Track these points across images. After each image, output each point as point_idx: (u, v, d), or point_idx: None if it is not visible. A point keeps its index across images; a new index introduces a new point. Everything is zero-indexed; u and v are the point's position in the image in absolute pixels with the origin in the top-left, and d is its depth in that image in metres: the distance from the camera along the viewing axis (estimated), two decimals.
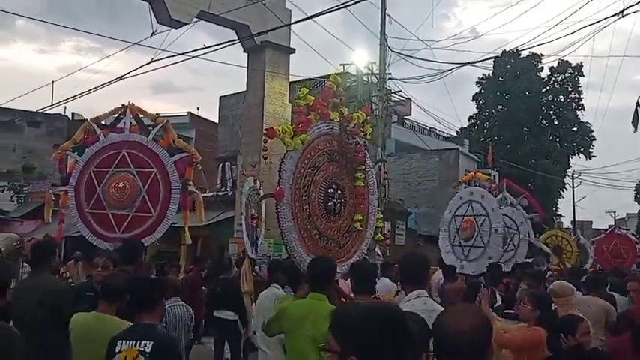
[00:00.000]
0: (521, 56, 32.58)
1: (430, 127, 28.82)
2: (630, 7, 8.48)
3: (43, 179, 22.98)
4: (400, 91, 17.01)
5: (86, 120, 9.00)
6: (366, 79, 15.57)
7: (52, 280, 4.52)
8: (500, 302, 6.31)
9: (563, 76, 35.34)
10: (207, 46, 10.76)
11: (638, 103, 9.85)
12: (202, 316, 8.59)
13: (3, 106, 16.84)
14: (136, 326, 3.16)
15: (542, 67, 34.23)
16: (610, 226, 24.73)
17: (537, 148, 33.68)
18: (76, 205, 7.89)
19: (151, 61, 10.94)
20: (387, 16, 14.49)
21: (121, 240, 6.78)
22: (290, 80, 15.56)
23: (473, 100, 36.68)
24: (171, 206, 7.64)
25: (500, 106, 35.51)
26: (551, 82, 35.55)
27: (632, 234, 25.45)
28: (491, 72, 33.96)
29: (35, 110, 16.84)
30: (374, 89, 15.38)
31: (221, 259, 10.31)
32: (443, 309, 2.77)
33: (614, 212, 42.44)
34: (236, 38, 13.98)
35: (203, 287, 9.20)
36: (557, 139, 35.14)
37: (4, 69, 71.70)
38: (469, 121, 36.64)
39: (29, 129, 27.88)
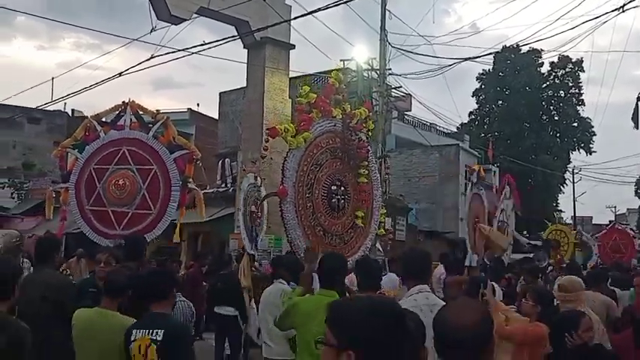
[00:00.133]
0: (522, 51, 32.53)
1: (430, 123, 28.77)
2: (631, 1, 8.48)
3: (43, 176, 23.00)
4: (400, 86, 17.02)
5: (86, 117, 9.01)
6: (366, 75, 15.53)
7: (55, 275, 4.52)
8: (501, 298, 6.32)
9: (564, 72, 35.33)
10: (207, 42, 10.70)
11: (638, 98, 9.84)
12: (203, 312, 8.61)
13: (3, 102, 16.86)
14: (149, 316, 3.26)
15: (543, 63, 34.32)
16: (610, 222, 24.72)
17: (538, 144, 33.68)
18: (76, 202, 7.91)
19: (151, 57, 10.90)
20: (387, 12, 14.47)
21: (121, 237, 6.79)
22: (290, 76, 15.53)
23: (473, 96, 36.70)
24: (171, 203, 7.66)
25: (501, 102, 35.50)
26: (552, 77, 35.53)
27: (632, 229, 25.48)
28: (491, 67, 33.97)
29: (35, 107, 16.79)
30: (374, 85, 15.34)
31: (222, 255, 10.29)
32: (445, 304, 2.77)
33: (615, 207, 42.40)
34: (236, 34, 13.92)
35: (204, 283, 9.21)
36: (558, 135, 35.15)
37: (4, 66, 71.68)
38: (469, 116, 36.65)
39: (29, 126, 27.88)
